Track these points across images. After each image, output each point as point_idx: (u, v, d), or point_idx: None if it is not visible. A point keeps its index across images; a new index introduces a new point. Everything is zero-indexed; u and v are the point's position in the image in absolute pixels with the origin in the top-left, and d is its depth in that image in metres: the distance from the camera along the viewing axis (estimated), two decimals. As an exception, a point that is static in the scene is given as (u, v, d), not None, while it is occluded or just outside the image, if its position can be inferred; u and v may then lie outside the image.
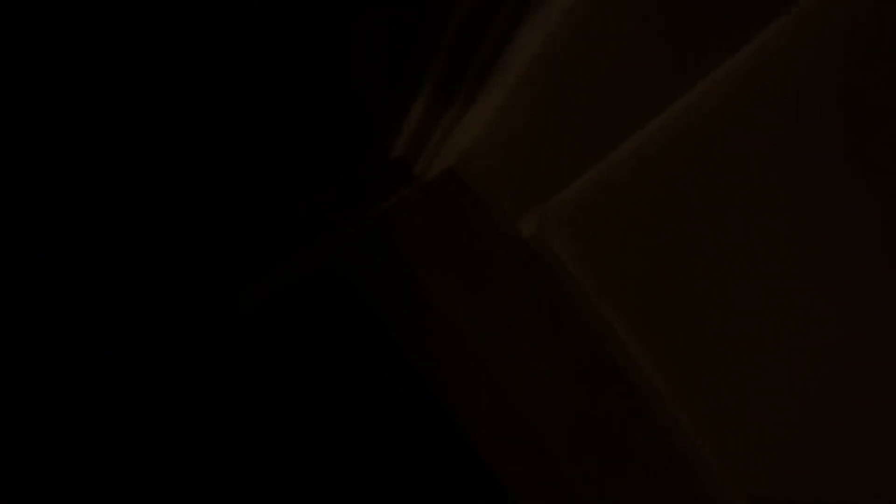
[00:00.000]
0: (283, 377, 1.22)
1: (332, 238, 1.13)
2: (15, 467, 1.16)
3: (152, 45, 0.88)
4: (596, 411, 1.16)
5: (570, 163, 1.02)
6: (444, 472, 1.28)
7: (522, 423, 1.20)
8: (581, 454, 1.16)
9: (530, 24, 0.87)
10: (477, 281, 1.18)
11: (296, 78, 1.15)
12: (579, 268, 1.13)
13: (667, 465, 1.13)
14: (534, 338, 1.17)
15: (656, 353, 1.15)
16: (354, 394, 1.28)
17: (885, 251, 0.74)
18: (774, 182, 0.79)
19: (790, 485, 1.09)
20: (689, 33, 0.76)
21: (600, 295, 1.15)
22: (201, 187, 1.14)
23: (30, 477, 1.17)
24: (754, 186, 0.82)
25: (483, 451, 1.25)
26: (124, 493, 1.20)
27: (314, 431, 1.27)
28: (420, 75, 1.03)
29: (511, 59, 0.96)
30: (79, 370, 1.21)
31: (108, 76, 0.91)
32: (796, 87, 0.69)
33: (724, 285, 0.98)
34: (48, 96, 0.91)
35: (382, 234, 1.19)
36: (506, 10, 0.87)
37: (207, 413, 1.24)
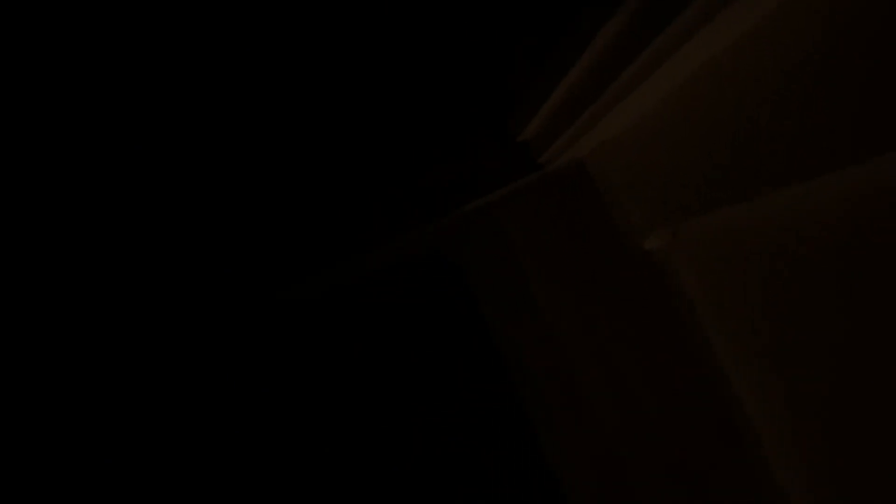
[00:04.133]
0: (376, 347, 1.17)
1: (443, 220, 1.07)
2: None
3: None
4: (693, 455, 1.11)
5: (713, 195, 0.96)
6: (506, 469, 1.23)
7: (604, 443, 1.15)
8: (668, 490, 1.12)
9: (697, 40, 0.81)
10: (585, 284, 1.12)
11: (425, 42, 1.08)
12: (700, 292, 1.08)
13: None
14: (634, 354, 1.12)
15: (759, 391, 1.11)
16: (436, 374, 1.23)
17: None
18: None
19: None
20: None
21: (714, 323, 1.10)
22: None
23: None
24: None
25: (554, 464, 1.20)
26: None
27: (381, 404, 1.21)
28: (574, 59, 0.96)
29: (675, 65, 0.89)
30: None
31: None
32: None
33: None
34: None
35: (495, 222, 1.12)
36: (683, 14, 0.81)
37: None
